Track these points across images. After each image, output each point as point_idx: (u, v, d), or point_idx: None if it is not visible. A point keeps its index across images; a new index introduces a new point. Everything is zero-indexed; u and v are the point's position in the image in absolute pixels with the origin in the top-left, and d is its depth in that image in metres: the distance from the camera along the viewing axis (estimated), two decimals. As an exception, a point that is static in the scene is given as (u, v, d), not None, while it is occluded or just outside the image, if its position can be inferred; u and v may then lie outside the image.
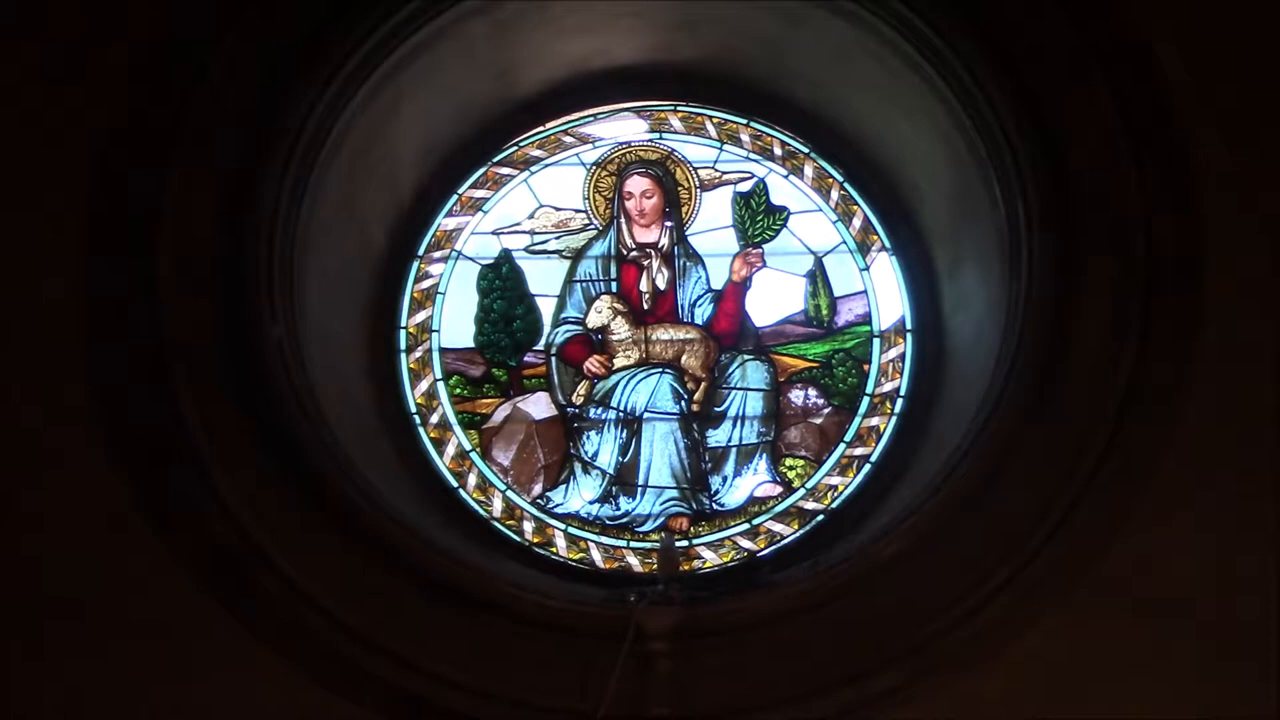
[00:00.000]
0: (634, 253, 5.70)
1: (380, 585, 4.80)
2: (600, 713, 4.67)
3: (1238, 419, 4.91)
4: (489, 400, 5.56)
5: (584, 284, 5.68)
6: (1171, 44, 5.06)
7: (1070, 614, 4.79)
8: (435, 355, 5.58)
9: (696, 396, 5.57)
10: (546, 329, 5.65)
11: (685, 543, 5.41)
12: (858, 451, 5.50)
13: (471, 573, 4.87)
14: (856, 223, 5.69)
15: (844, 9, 5.24)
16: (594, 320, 5.64)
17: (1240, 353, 4.94)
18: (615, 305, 5.65)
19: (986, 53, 5.04)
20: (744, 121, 5.77)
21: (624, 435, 5.54)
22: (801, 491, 5.48)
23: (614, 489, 5.50)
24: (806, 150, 5.74)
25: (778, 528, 5.44)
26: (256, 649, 4.79)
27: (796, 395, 5.57)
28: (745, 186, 5.74)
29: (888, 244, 5.66)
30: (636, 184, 5.73)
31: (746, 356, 5.61)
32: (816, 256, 5.68)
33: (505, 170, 5.73)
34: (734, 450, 5.52)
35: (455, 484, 5.46)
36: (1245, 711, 4.77)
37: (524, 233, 5.70)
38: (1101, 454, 4.83)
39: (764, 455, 5.52)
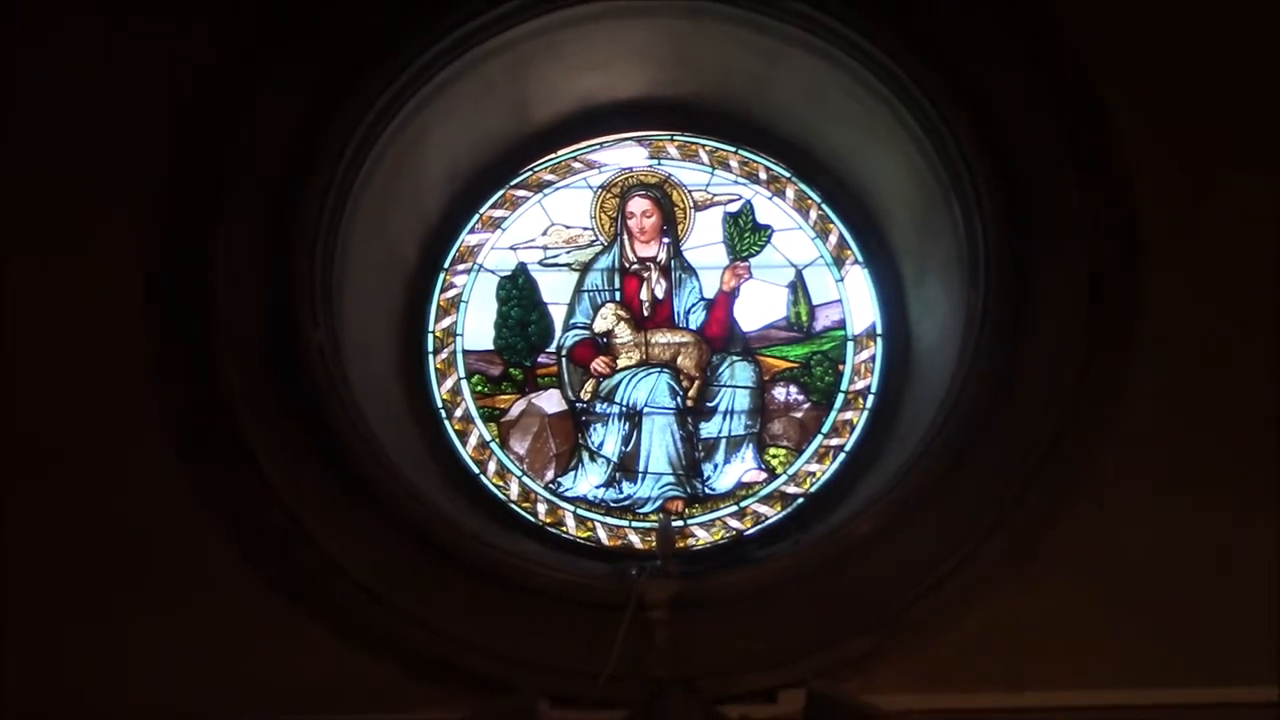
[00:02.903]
0: (635, 265, 5.70)
1: (409, 560, 4.80)
2: (605, 674, 4.65)
3: (1174, 413, 4.91)
4: (507, 396, 5.56)
5: (591, 293, 5.67)
6: (1116, 83, 5.07)
7: (1023, 587, 4.79)
8: (459, 356, 5.58)
9: (691, 393, 5.56)
10: (557, 333, 5.63)
11: (681, 523, 5.40)
12: (834, 442, 5.49)
13: (491, 549, 4.88)
14: (833, 239, 5.68)
15: (822, 50, 5.26)
16: (600, 325, 5.64)
17: (1176, 354, 4.95)
18: (619, 312, 5.65)
19: (949, 89, 5.06)
20: (733, 149, 5.77)
21: (626, 427, 5.53)
22: (784, 477, 5.47)
23: (617, 475, 5.48)
24: (788, 175, 5.73)
25: (763, 509, 5.44)
26: (299, 617, 4.80)
27: (779, 392, 5.56)
28: (734, 207, 5.73)
29: (860, 258, 5.65)
30: (637, 204, 5.73)
31: (735, 358, 5.60)
32: (797, 269, 5.67)
33: (521, 192, 5.73)
34: (724, 441, 5.51)
35: (477, 471, 5.46)
36: (1177, 675, 4.74)
37: (538, 248, 5.70)
38: (1050, 445, 4.84)
39: (750, 445, 5.51)
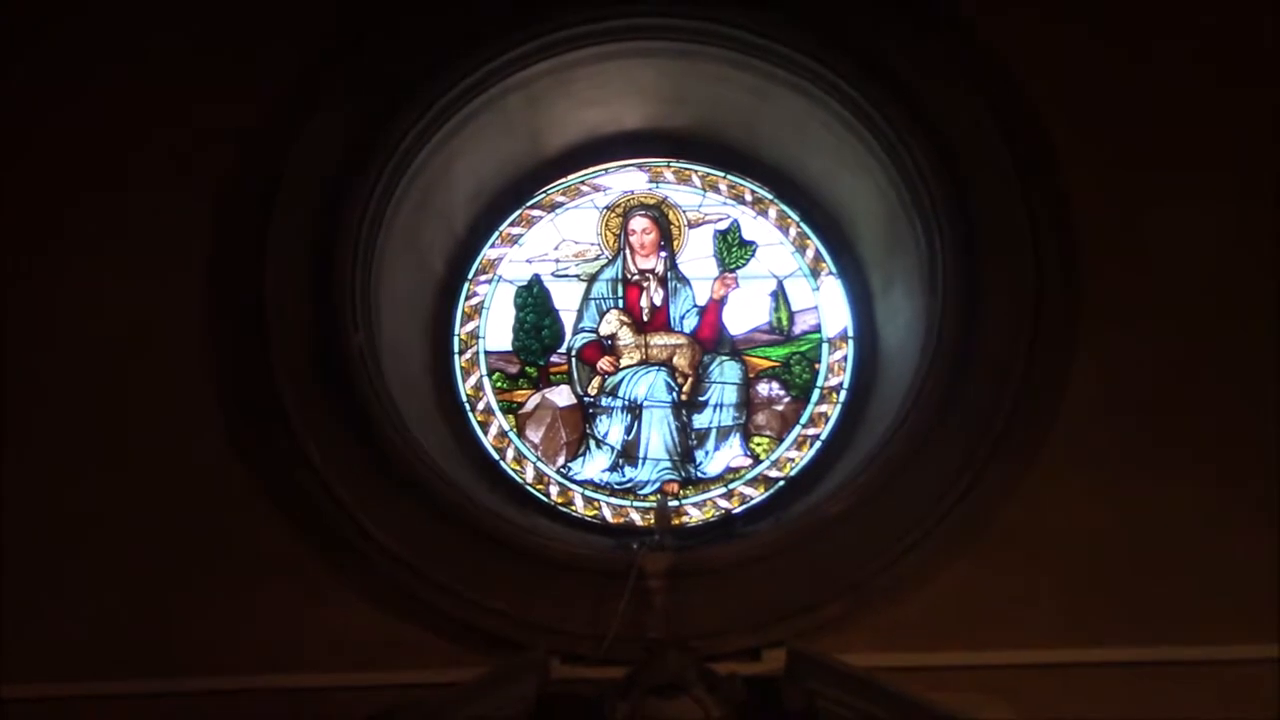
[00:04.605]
0: (636, 276, 5.82)
1: (438, 535, 4.92)
2: (609, 636, 4.77)
3: (1110, 405, 5.04)
4: (523, 391, 5.67)
5: (597, 301, 5.78)
6: (1059, 114, 5.20)
7: (978, 558, 4.92)
8: (481, 356, 5.68)
9: (685, 389, 5.67)
10: (567, 336, 5.74)
11: (676, 502, 5.49)
12: (811, 431, 5.59)
13: (509, 526, 5.02)
14: (810, 253, 5.80)
15: (803, 88, 5.40)
16: (605, 329, 5.76)
17: (1110, 357, 5.07)
18: (621, 317, 5.77)
19: (912, 122, 5.20)
20: (722, 174, 5.89)
21: (628, 419, 5.63)
22: (767, 463, 5.57)
23: (620, 461, 5.58)
24: (771, 197, 5.85)
25: (748, 491, 5.54)
26: (339, 584, 4.89)
27: (763, 387, 5.67)
28: (723, 225, 5.85)
29: (834, 269, 5.77)
30: (638, 223, 5.84)
31: (724, 357, 5.70)
32: (778, 279, 5.79)
33: (536, 212, 5.85)
34: (714, 430, 5.61)
35: (497, 457, 5.57)
36: (1114, 635, 4.84)
37: (550, 261, 5.81)
38: (999, 436, 4.97)
39: (737, 434, 5.61)
